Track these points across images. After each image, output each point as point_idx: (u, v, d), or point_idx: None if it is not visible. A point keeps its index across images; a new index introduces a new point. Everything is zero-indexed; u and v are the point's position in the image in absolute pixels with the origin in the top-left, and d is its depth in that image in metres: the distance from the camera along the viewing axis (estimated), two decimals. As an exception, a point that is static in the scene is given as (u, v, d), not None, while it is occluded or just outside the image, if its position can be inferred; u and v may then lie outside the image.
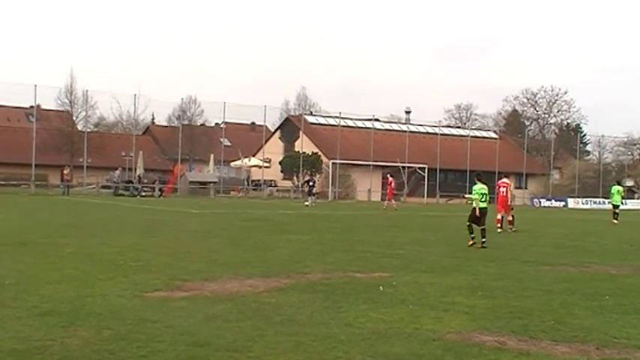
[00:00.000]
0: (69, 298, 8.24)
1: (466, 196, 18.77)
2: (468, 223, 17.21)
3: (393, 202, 41.25)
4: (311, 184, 43.17)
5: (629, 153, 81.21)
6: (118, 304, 8.06)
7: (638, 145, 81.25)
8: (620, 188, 34.02)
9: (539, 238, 20.54)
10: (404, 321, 7.59)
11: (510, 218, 23.14)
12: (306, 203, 40.64)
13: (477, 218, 17.05)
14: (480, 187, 17.48)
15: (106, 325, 6.90)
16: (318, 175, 59.61)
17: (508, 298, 9.38)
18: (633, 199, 66.63)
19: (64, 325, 6.85)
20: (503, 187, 23.68)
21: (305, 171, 59.76)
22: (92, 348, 6.04)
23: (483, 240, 16.69)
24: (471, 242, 16.71)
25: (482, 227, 16.94)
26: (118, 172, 50.46)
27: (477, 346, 6.61)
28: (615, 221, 31.08)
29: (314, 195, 43.04)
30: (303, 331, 6.95)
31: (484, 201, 17.26)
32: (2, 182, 49.26)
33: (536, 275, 11.92)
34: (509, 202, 23.17)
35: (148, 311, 7.65)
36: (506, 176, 25.33)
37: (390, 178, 42.97)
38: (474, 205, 17.25)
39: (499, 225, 22.67)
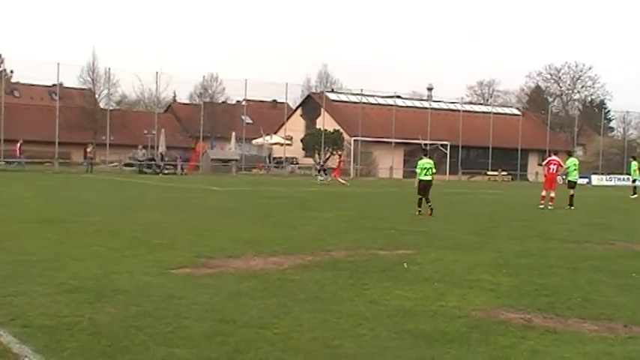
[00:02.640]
0: (95, 275, 8.32)
1: (415, 185, 19.24)
2: (419, 197, 18.69)
3: (340, 179, 39.95)
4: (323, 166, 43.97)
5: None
6: (143, 281, 8.12)
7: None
8: (637, 163, 33.90)
9: (563, 216, 20.39)
10: (429, 298, 7.58)
11: (553, 195, 22.94)
12: (321, 178, 40.61)
13: (421, 190, 18.63)
14: (424, 162, 18.98)
15: (133, 301, 6.96)
16: (339, 152, 59.61)
17: (533, 275, 9.33)
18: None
19: (91, 301, 6.92)
20: (554, 164, 23.51)
21: (326, 148, 59.71)
22: (120, 324, 6.10)
23: (430, 207, 18.32)
24: (417, 213, 18.35)
25: (426, 197, 18.55)
26: (140, 150, 50.44)
27: (503, 324, 6.59)
28: (633, 196, 31.08)
29: (325, 172, 42.45)
30: (329, 308, 6.97)
31: (428, 175, 18.80)
32: (27, 160, 49.66)
33: (561, 253, 11.84)
34: (568, 179, 24.03)
35: (174, 288, 7.69)
36: (555, 153, 25.04)
37: (340, 157, 45.32)
38: (418, 178, 18.90)
39: (542, 202, 22.80)
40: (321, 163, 43.52)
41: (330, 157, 60.57)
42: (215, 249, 10.88)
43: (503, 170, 63.88)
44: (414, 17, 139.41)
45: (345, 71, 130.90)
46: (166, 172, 48.49)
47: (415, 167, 19.65)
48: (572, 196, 23.27)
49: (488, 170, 63.44)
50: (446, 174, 60.74)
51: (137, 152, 49.99)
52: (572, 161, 24.18)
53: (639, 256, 11.90)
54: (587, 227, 16.96)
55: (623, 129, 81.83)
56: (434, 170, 19.14)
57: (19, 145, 47.85)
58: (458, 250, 11.73)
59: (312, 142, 60.69)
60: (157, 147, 53.66)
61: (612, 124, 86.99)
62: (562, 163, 23.73)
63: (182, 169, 49.88)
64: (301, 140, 62.31)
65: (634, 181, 33.01)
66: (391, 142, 60.48)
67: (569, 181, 23.91)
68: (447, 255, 10.99)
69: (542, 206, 22.61)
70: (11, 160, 47.75)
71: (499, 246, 12.41)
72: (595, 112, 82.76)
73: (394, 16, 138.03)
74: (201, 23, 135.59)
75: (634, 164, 33.48)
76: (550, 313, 7.08)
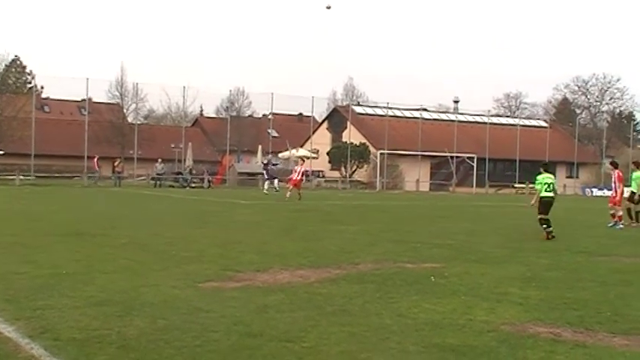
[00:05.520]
0: (124, 288, 8.38)
1: (532, 203, 17.26)
2: (539, 217, 16.36)
3: (297, 190, 32.64)
4: (271, 166, 34.88)
5: (685, 141, 79.15)
6: (171, 294, 8.16)
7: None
8: None
9: (592, 228, 20.16)
10: (457, 312, 7.53)
11: (621, 213, 21.05)
12: (265, 191, 32.58)
13: (542, 209, 16.37)
14: (544, 177, 16.83)
15: (161, 314, 7.00)
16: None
17: (562, 289, 9.23)
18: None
19: (120, 314, 6.97)
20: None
21: (352, 161, 59.72)
22: (148, 337, 6.13)
23: (549, 229, 16.05)
24: (547, 236, 15.88)
25: (543, 217, 16.25)
26: (159, 164, 50.38)
27: (531, 338, 6.53)
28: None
29: (273, 179, 33.87)
30: (356, 321, 6.95)
31: (549, 190, 16.65)
32: (56, 174, 50.31)
33: (591, 266, 11.71)
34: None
35: (202, 301, 7.73)
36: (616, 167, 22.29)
37: (300, 167, 34.63)
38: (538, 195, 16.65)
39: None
40: (267, 162, 34.86)
41: (356, 169, 60.59)
42: (242, 262, 10.90)
43: (531, 183, 63.34)
44: (440, 30, 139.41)
45: (371, 84, 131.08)
46: (193, 185, 48.76)
47: (534, 183, 17.58)
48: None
49: (515, 183, 62.96)
50: (473, 187, 60.52)
51: (156, 166, 50.20)
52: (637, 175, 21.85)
53: (671, 269, 11.71)
54: (616, 240, 16.74)
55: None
56: (556, 186, 17.13)
57: (96, 159, 48.65)
58: (485, 263, 11.64)
59: (339, 155, 60.78)
60: (184, 160, 54.02)
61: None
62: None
63: (209, 182, 50.13)
64: (327, 153, 62.39)
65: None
66: (417, 155, 60.32)
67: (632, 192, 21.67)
68: (475, 268, 10.92)
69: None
70: (90, 175, 48.97)
71: (527, 259, 12.29)
72: (624, 124, 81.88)
73: (420, 29, 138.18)
74: (227, 37, 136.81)
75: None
76: (580, 327, 6.99)
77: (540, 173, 17.12)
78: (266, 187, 32.24)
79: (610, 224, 20.51)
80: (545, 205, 16.48)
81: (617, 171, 21.55)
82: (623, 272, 11.02)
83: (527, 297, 8.53)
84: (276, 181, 33.40)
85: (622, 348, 6.29)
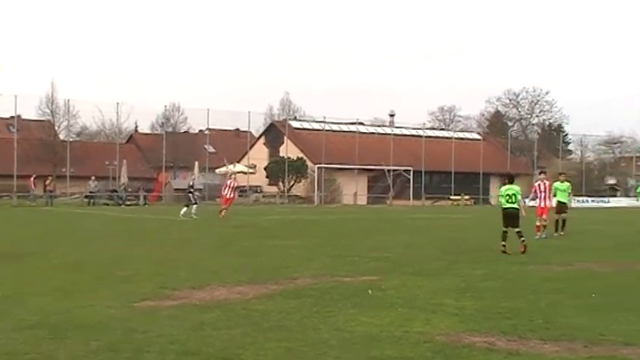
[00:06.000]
0: (56, 310, 8.19)
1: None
2: (503, 229, 16.13)
3: (223, 209, 30.30)
4: (192, 190, 31.07)
5: (611, 151, 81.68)
6: (106, 314, 8.01)
7: (618, 144, 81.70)
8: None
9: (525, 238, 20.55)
10: (393, 324, 7.60)
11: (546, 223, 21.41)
12: (190, 214, 29.39)
13: (505, 221, 16.22)
14: (506, 188, 16.71)
15: (94, 336, 6.86)
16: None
17: (496, 298, 9.42)
18: (615, 196, 67.84)
19: (51, 337, 6.80)
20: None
21: (290, 176, 59.75)
22: (81, 360, 6.00)
23: (522, 240, 15.87)
24: (502, 249, 15.65)
25: (517, 231, 16.05)
26: (92, 182, 49.24)
27: (466, 348, 6.64)
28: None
29: (194, 203, 30.21)
30: (293, 336, 6.95)
31: (511, 202, 16.38)
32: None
33: (524, 275, 11.99)
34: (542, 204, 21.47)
35: (137, 321, 7.61)
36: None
37: (231, 181, 32.28)
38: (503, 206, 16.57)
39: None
40: (192, 185, 31.71)
41: (294, 184, 60.64)
42: (179, 280, 10.78)
43: (466, 194, 64.48)
44: (374, 44, 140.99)
45: (308, 99, 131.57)
46: (128, 203, 47.99)
47: (499, 195, 17.34)
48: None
49: (451, 195, 63.99)
50: (409, 199, 61.21)
51: (90, 184, 49.18)
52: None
53: (598, 276, 12.09)
54: (548, 249, 17.18)
55: (581, 152, 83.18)
56: (519, 197, 16.51)
57: (32, 179, 47.46)
58: (421, 275, 11.78)
59: (276, 170, 60.72)
60: (119, 178, 53.11)
61: (570, 147, 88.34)
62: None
63: (145, 199, 49.40)
64: (265, 168, 62.30)
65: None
66: (354, 169, 60.75)
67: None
68: (411, 280, 11.04)
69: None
70: (24, 194, 47.51)
71: (462, 270, 12.50)
72: (553, 136, 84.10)
73: (355, 43, 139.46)
74: (161, 52, 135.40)
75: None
76: (513, 336, 7.15)
77: (504, 184, 16.96)
78: (194, 210, 29.54)
79: (537, 237, 20.43)
80: (507, 217, 16.26)
81: (547, 181, 22.21)
82: (553, 280, 11.32)
83: (463, 307, 8.68)
84: (195, 207, 30.37)
85: (552, 354, 6.46)
